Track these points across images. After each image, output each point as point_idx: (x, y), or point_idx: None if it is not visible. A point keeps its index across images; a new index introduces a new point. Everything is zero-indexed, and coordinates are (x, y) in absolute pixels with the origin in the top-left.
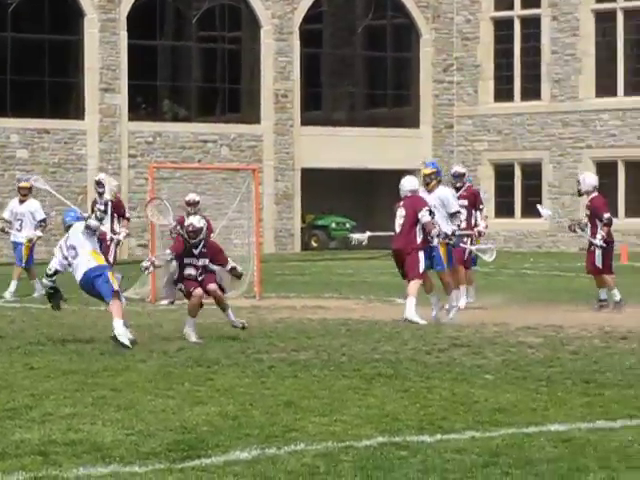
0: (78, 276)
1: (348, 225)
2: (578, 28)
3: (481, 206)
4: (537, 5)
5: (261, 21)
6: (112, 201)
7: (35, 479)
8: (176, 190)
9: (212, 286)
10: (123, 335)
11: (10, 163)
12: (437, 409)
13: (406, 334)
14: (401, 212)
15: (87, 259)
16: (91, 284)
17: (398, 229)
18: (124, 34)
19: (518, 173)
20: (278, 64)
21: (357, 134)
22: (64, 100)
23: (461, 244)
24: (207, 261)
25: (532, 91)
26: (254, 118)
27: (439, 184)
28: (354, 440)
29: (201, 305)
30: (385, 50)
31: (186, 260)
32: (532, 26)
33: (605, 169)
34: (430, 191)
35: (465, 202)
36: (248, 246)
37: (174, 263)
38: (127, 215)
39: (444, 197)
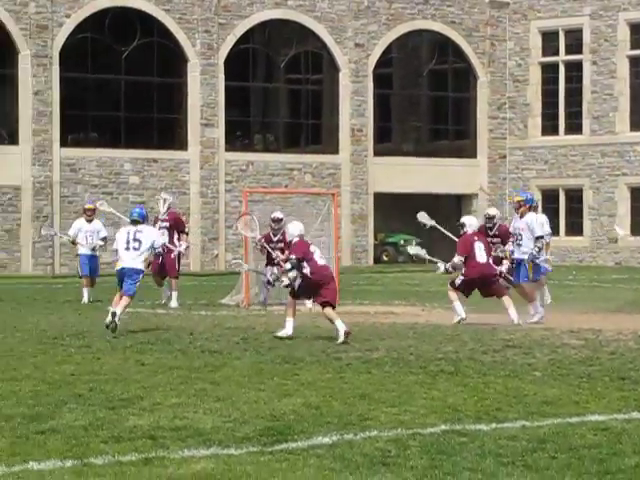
0: (123, 264)
1: (414, 242)
2: (615, 71)
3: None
4: (579, 52)
5: (340, 65)
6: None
7: (146, 460)
8: (266, 212)
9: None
10: (109, 317)
11: (124, 188)
12: (492, 401)
13: (465, 336)
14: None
15: (139, 259)
16: (125, 276)
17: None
18: (222, 76)
19: (562, 197)
20: (354, 102)
21: (423, 163)
22: (170, 133)
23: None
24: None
25: (575, 126)
26: (333, 149)
27: (529, 210)
28: (420, 428)
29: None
30: (447, 90)
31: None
32: (575, 69)
33: (638, 194)
34: (521, 216)
35: (498, 240)
36: (328, 260)
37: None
38: (186, 230)
39: (530, 222)
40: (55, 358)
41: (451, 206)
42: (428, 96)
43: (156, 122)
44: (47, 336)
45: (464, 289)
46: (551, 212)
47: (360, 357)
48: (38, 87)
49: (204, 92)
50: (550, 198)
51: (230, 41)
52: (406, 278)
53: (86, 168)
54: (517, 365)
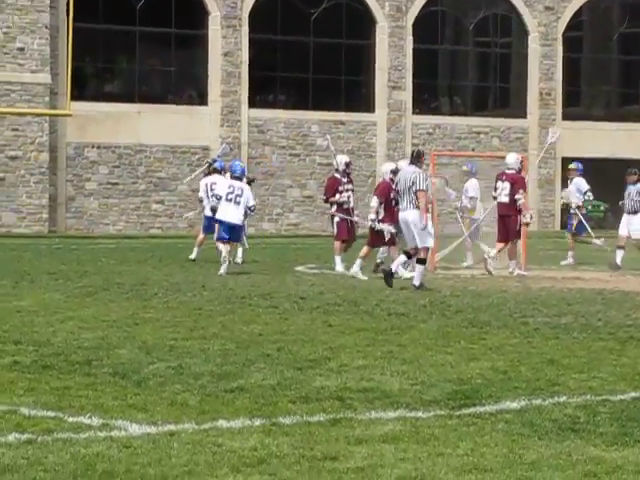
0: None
1: (602, 207)
2: None
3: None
4: None
5: (529, 29)
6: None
7: (334, 420)
8: (453, 174)
9: None
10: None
11: (311, 149)
12: None
13: None
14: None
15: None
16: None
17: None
18: (410, 39)
19: None
20: (543, 66)
21: (612, 128)
22: (357, 96)
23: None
24: None
25: None
26: (521, 113)
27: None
28: (610, 394)
29: None
30: (638, 54)
31: None
32: None
33: None
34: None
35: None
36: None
37: None
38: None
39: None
40: (243, 318)
41: None
42: (618, 60)
43: (344, 84)
44: (235, 295)
45: None
46: None
47: (548, 322)
48: (227, 48)
49: (392, 55)
50: None
51: (419, 3)
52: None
53: (274, 129)
54: None
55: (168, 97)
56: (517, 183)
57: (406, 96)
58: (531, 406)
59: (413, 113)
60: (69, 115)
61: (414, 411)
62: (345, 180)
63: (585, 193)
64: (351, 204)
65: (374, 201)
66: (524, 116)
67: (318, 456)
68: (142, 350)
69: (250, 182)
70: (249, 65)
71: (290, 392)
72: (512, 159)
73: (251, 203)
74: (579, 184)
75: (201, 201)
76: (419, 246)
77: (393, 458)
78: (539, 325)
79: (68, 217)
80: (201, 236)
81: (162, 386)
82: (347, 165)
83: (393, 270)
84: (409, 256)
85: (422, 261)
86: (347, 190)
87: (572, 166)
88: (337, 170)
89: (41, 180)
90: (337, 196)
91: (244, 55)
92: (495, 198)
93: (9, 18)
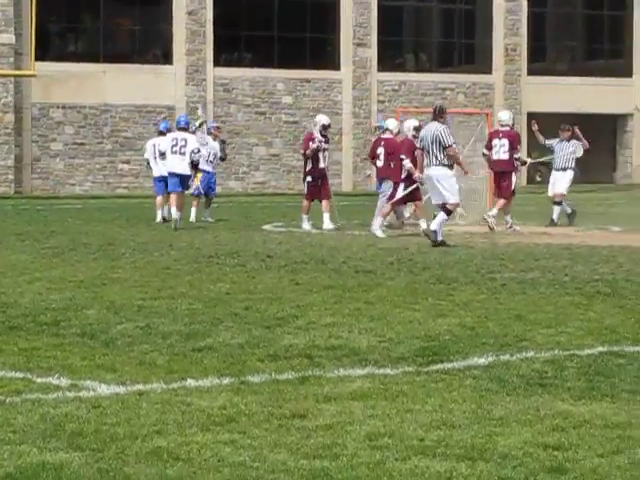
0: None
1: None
2: None
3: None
4: None
5: None
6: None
7: (303, 378)
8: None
9: None
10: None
11: (276, 108)
12: None
13: (621, 258)
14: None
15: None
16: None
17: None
18: None
19: None
20: (508, 22)
21: (577, 83)
22: (323, 53)
23: None
24: None
25: None
26: (487, 69)
27: None
28: (577, 349)
29: None
30: (602, 9)
31: None
32: None
33: None
34: None
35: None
36: (480, 181)
37: None
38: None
39: None
40: (210, 277)
41: (605, 127)
42: (583, 14)
43: (309, 42)
44: (202, 254)
45: None
46: None
47: (515, 278)
48: (192, 7)
49: (356, 11)
50: None
51: None
52: None
53: (239, 88)
54: None
55: (133, 56)
56: (515, 140)
57: (371, 53)
58: (499, 362)
59: (378, 70)
60: (34, 75)
61: (382, 368)
62: (323, 139)
63: None
64: (326, 164)
65: (407, 162)
66: (489, 72)
67: (287, 414)
68: (110, 310)
69: (223, 143)
70: (214, 23)
71: (258, 350)
72: (506, 115)
73: (193, 146)
74: None
75: (148, 163)
76: (448, 202)
77: (362, 415)
78: (506, 281)
79: (34, 178)
80: (159, 198)
81: (130, 346)
82: (325, 127)
83: (434, 229)
84: (448, 212)
85: (448, 212)
86: (324, 150)
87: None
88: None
89: (6, 141)
90: (311, 145)
91: (209, 13)
92: (485, 155)
93: None
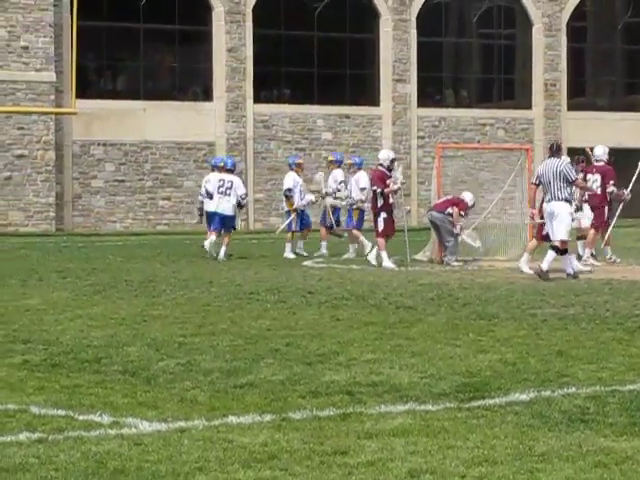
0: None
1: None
2: None
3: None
4: None
5: (533, 19)
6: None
7: (344, 415)
8: (459, 167)
9: None
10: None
11: (316, 144)
12: None
13: None
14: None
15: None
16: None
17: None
18: (414, 32)
19: None
20: (547, 57)
21: (617, 118)
22: (362, 89)
23: None
24: None
25: None
26: (526, 104)
27: None
28: (619, 385)
29: None
30: None
31: None
32: None
33: None
34: None
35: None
36: (520, 215)
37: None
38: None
39: None
40: (251, 313)
41: None
42: (623, 50)
43: (348, 78)
44: (243, 291)
45: None
46: None
47: (556, 313)
48: (232, 44)
49: (396, 48)
50: None
51: None
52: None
53: (279, 124)
54: None
55: (173, 93)
56: (607, 174)
57: (411, 89)
58: (540, 398)
59: (418, 106)
60: (74, 113)
61: (424, 404)
62: (389, 174)
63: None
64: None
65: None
66: (529, 107)
67: (328, 451)
68: (151, 347)
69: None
70: (253, 60)
71: (299, 387)
72: (600, 150)
73: (241, 191)
74: (336, 176)
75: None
76: (558, 238)
77: (403, 452)
78: (547, 316)
79: (75, 215)
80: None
81: (172, 383)
82: (392, 162)
83: (545, 269)
84: (557, 250)
85: (556, 249)
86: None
87: (331, 158)
88: (381, 165)
89: (47, 178)
90: (391, 185)
91: (248, 50)
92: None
93: (13, 17)
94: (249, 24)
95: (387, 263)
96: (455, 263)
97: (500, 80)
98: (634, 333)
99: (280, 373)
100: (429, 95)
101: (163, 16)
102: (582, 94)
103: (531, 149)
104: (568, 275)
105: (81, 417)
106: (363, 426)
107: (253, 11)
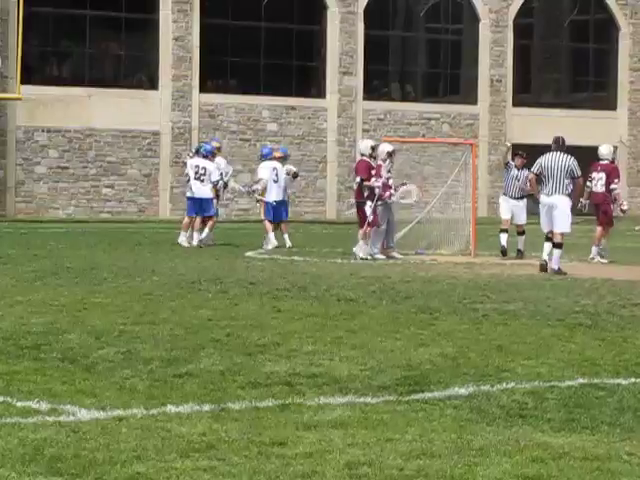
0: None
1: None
2: None
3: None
4: None
5: (480, 15)
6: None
7: (283, 406)
8: (403, 160)
9: None
10: None
11: (261, 135)
12: (631, 356)
13: (603, 290)
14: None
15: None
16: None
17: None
18: (361, 25)
19: None
20: (494, 53)
21: (562, 115)
22: (308, 81)
23: None
24: None
25: None
26: (472, 99)
27: None
28: (558, 381)
29: None
30: (588, 42)
31: None
32: None
33: None
34: None
35: None
36: (464, 210)
37: None
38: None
39: None
40: (193, 303)
41: (589, 158)
42: (569, 47)
43: (295, 69)
44: (185, 280)
45: None
46: None
47: (496, 308)
48: (178, 33)
49: (343, 40)
50: None
51: None
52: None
53: (224, 114)
54: None
55: (118, 81)
56: (612, 173)
57: (357, 82)
58: (479, 392)
59: (364, 99)
60: (19, 99)
61: (363, 396)
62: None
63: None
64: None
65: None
66: (475, 102)
67: (267, 441)
68: (91, 335)
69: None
70: (200, 50)
71: (239, 377)
72: (606, 150)
73: (214, 178)
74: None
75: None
76: (556, 230)
77: (342, 443)
78: (488, 311)
79: (17, 201)
80: (186, 219)
81: (111, 371)
82: (390, 155)
83: (556, 268)
84: (560, 246)
85: (559, 245)
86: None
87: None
88: (363, 155)
89: None
90: (372, 180)
91: (195, 39)
92: (587, 187)
93: None
94: (196, 13)
95: (363, 254)
96: (378, 256)
97: (446, 75)
98: (574, 329)
99: (220, 363)
100: (375, 88)
101: (110, 3)
102: (527, 90)
103: (476, 144)
104: (552, 270)
105: (19, 404)
106: (302, 417)
107: (200, 0)
